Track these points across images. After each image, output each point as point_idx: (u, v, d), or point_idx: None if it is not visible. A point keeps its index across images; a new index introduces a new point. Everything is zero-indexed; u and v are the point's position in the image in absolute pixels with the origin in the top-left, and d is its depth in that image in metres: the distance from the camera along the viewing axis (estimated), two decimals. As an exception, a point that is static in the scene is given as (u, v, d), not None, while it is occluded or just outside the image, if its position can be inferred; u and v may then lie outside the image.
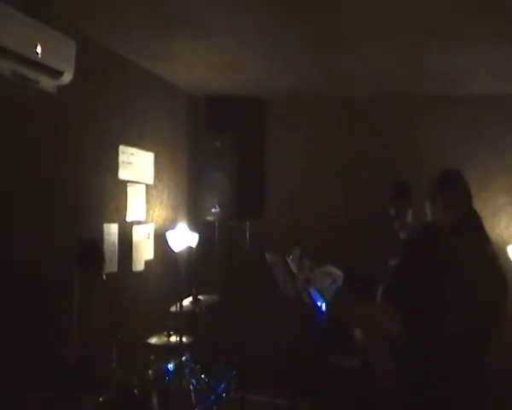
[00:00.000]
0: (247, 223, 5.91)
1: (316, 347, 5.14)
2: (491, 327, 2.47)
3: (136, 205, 5.15)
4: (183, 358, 3.54)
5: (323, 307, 5.45)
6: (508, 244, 5.14)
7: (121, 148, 4.89)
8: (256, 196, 5.98)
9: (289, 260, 4.22)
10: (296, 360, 5.38)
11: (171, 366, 3.46)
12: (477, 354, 2.40)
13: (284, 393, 5.45)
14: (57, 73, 3.83)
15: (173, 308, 3.80)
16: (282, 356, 5.48)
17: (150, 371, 3.31)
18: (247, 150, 5.77)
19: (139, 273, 5.22)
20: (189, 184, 6.15)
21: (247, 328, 5.65)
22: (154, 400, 3.23)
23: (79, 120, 4.31)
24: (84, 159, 4.40)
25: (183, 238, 5.43)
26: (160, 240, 5.50)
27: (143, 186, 5.30)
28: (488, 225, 5.20)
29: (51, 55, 3.69)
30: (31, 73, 3.66)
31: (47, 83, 3.85)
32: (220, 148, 5.64)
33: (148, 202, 5.36)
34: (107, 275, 4.55)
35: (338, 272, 5.50)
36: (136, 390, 3.20)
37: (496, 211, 5.31)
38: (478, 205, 5.23)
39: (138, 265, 5.23)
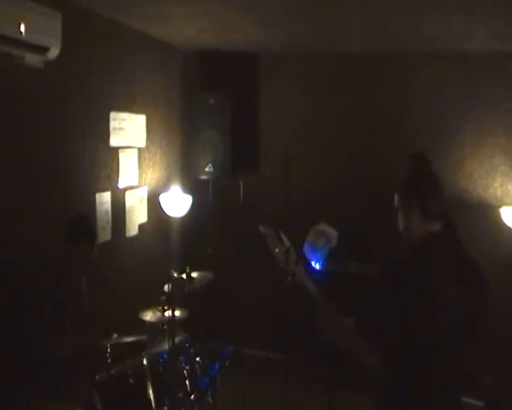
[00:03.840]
0: (241, 182, 5.88)
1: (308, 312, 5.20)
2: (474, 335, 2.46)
3: (128, 170, 5.09)
4: (178, 339, 3.57)
5: (317, 267, 5.53)
6: (501, 204, 5.14)
7: (112, 114, 4.79)
8: (250, 153, 5.95)
9: (282, 234, 4.21)
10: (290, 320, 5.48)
11: (164, 354, 3.50)
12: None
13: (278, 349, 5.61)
14: (43, 50, 3.70)
15: (167, 287, 3.80)
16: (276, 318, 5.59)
17: (145, 361, 3.35)
18: (240, 107, 5.68)
19: (133, 238, 5.22)
20: (182, 144, 6.06)
21: (241, 299, 5.73)
22: (150, 389, 3.30)
23: (68, 91, 4.19)
24: (74, 130, 4.31)
25: (177, 201, 5.42)
26: (154, 202, 5.49)
27: (135, 150, 5.23)
28: (482, 184, 5.27)
29: (36, 32, 3.55)
30: (15, 51, 3.54)
31: (33, 59, 3.73)
32: (213, 105, 5.55)
33: (140, 165, 5.31)
34: (100, 245, 4.59)
35: (332, 232, 5.53)
36: (131, 380, 3.27)
37: (491, 170, 5.27)
38: (473, 165, 5.29)
39: (132, 229, 5.22)
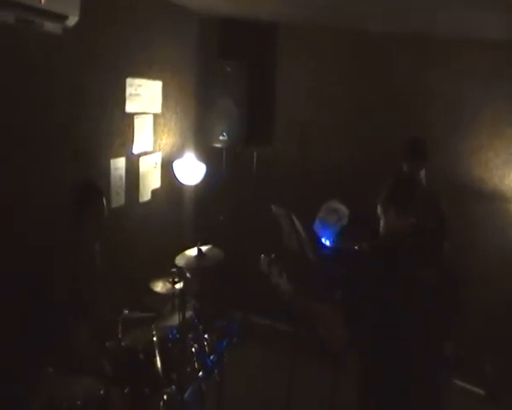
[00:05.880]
0: (255, 153, 5.86)
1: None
2: None
3: (143, 136, 5.08)
4: (187, 315, 3.63)
5: (327, 244, 5.56)
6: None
7: (128, 80, 4.76)
8: (265, 124, 5.92)
9: (294, 216, 4.24)
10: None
11: (174, 330, 3.57)
12: None
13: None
14: (62, 18, 3.67)
15: (178, 261, 3.84)
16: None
17: (155, 338, 3.42)
18: (257, 77, 5.65)
19: (146, 203, 5.25)
20: (198, 111, 6.03)
21: (251, 269, 5.73)
22: (158, 365, 3.38)
23: (85, 57, 4.17)
24: (90, 96, 4.29)
25: (191, 169, 5.44)
26: (167, 168, 5.50)
27: (151, 116, 5.21)
28: (498, 174, 5.21)
29: (55, 1, 3.52)
30: (35, 19, 3.52)
31: (51, 27, 3.71)
32: (230, 73, 5.52)
33: (155, 131, 5.29)
34: (114, 210, 4.64)
35: (344, 210, 5.53)
36: (141, 355, 3.34)
37: (507, 160, 5.16)
38: (489, 154, 5.23)
39: (145, 195, 5.25)
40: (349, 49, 5.63)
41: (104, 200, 3.78)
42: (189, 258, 3.87)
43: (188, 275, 3.65)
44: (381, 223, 2.79)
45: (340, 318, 2.49)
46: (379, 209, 2.79)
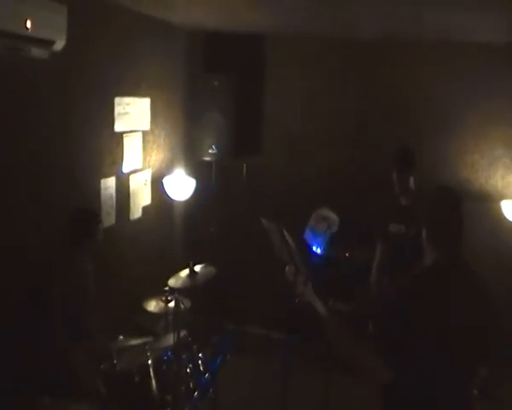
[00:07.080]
0: (244, 165, 5.90)
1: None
2: None
3: (132, 154, 5.11)
4: (181, 334, 3.65)
5: (318, 252, 5.59)
6: (502, 197, 5.17)
7: (117, 100, 4.79)
8: (253, 136, 5.96)
9: (285, 231, 4.23)
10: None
11: (168, 351, 3.59)
12: None
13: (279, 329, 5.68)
14: (49, 43, 3.70)
15: (171, 281, 3.87)
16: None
17: (150, 360, 3.44)
18: (244, 89, 5.68)
19: (137, 221, 5.27)
20: (186, 125, 6.05)
21: (243, 282, 5.80)
22: (154, 387, 3.40)
23: (72, 79, 4.19)
24: (79, 117, 4.31)
25: (180, 184, 5.47)
26: (157, 185, 5.53)
27: (140, 134, 5.24)
28: (484, 175, 5.29)
29: (42, 28, 3.54)
30: (22, 46, 3.55)
31: (38, 53, 3.73)
32: (218, 87, 5.54)
33: (144, 148, 5.32)
34: (105, 229, 4.65)
35: (334, 217, 5.57)
36: (136, 378, 3.37)
37: (493, 161, 5.28)
38: (475, 156, 5.31)
39: (136, 212, 5.27)
40: (336, 58, 5.71)
41: (101, 226, 3.86)
42: (182, 279, 3.90)
43: (182, 305, 3.66)
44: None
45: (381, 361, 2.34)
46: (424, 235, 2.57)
